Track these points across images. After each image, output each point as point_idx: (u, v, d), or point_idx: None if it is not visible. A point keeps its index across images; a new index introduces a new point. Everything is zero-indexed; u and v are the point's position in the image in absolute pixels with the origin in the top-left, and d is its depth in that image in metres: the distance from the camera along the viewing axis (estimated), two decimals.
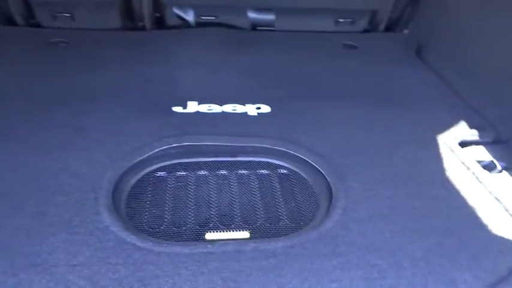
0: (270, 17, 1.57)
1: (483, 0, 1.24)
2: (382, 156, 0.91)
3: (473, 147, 0.99)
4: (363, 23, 1.61)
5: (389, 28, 1.66)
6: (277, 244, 0.69)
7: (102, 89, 1.10)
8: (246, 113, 1.04)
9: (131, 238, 0.68)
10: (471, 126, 1.04)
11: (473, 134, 1.02)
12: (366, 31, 1.63)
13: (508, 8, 1.12)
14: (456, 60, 1.30)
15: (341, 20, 1.58)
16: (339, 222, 0.73)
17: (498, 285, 0.64)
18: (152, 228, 0.74)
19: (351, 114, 1.05)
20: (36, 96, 1.04)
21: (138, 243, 0.67)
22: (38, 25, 1.48)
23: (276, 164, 0.90)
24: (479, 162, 0.92)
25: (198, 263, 0.64)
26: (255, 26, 1.58)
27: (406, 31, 1.65)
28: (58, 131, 0.92)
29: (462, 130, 1.03)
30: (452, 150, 0.95)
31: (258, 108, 1.06)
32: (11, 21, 1.47)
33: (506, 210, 0.79)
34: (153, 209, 0.78)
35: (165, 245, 0.67)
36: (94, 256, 0.64)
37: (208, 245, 0.68)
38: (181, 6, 1.52)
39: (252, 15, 1.56)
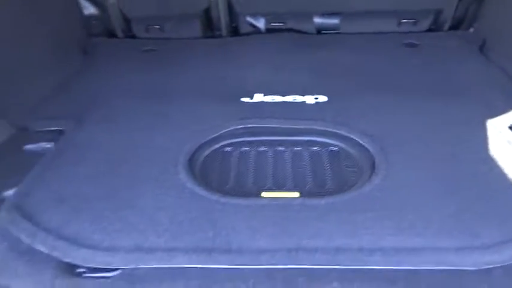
0: (334, 21, 1.69)
1: None
2: (428, 136, 0.99)
3: None
4: (426, 23, 1.66)
5: (454, 27, 1.69)
6: (321, 201, 0.81)
7: (184, 85, 1.31)
8: (305, 102, 1.17)
9: (203, 192, 0.84)
10: None
11: None
12: (430, 30, 1.69)
13: None
14: None
15: (404, 21, 1.65)
16: (378, 186, 0.84)
17: None
18: (220, 187, 0.89)
19: (405, 103, 1.13)
20: (134, 92, 1.27)
21: (208, 196, 0.83)
22: (134, 36, 1.76)
23: (327, 143, 1.02)
24: None
25: (253, 211, 0.79)
26: (320, 30, 1.71)
27: (471, 30, 1.67)
28: (148, 115, 1.13)
29: None
30: (500, 131, 1.00)
31: (316, 98, 1.19)
32: (113, 34, 1.76)
33: None
34: (221, 174, 0.94)
35: (228, 197, 0.83)
36: (174, 203, 0.81)
37: (262, 200, 0.82)
38: (253, 15, 1.71)
39: (317, 20, 1.70)
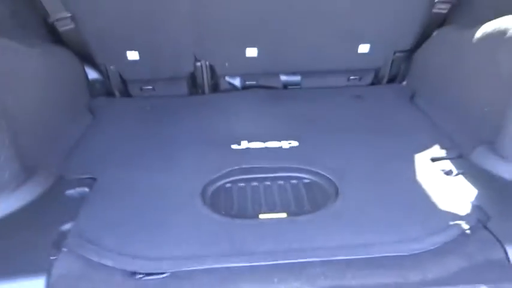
0: (296, 78, 2.10)
1: (455, 58, 1.70)
2: (373, 168, 1.37)
3: (441, 161, 1.42)
4: (369, 79, 2.10)
5: (391, 81, 2.14)
6: (303, 218, 1.15)
7: (182, 136, 1.63)
8: (281, 147, 1.53)
9: (215, 216, 1.16)
10: (442, 147, 1.48)
11: (442, 152, 1.45)
12: (372, 84, 2.12)
13: (474, 63, 1.57)
14: (438, 102, 1.75)
15: (352, 78, 2.08)
16: (341, 205, 1.19)
17: (437, 234, 1.06)
18: (227, 213, 1.21)
19: (355, 143, 1.51)
20: (142, 142, 1.58)
21: (220, 219, 1.15)
22: (129, 95, 2.08)
23: (301, 177, 1.36)
24: (442, 170, 1.35)
25: (255, 227, 1.11)
26: (286, 86, 2.10)
27: (404, 83, 2.12)
28: (160, 161, 1.44)
29: (434, 150, 1.47)
30: (423, 162, 1.39)
31: (290, 143, 1.55)
32: (110, 94, 2.07)
33: (452, 198, 1.21)
34: (226, 203, 1.25)
35: (235, 219, 1.15)
36: (196, 225, 1.12)
37: (261, 220, 1.15)
38: (231, 76, 2.08)
39: (283, 77, 2.09)
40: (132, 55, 1.93)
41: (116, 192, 1.28)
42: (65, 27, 1.78)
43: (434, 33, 1.90)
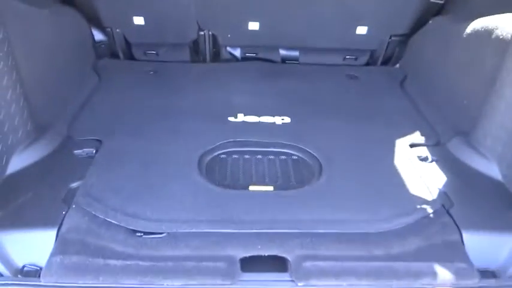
0: (295, 53, 2.18)
1: (445, 48, 1.80)
2: (356, 151, 1.49)
3: (419, 147, 1.54)
4: (364, 59, 2.19)
5: (385, 62, 2.23)
6: (288, 192, 1.28)
7: (183, 106, 1.73)
8: (274, 122, 1.64)
9: (210, 186, 1.29)
10: (422, 134, 1.60)
11: (421, 139, 1.57)
12: (367, 64, 2.21)
13: (462, 56, 1.66)
14: (425, 89, 1.86)
15: (348, 57, 2.16)
16: (324, 183, 1.32)
17: (403, 216, 1.20)
18: (220, 182, 1.34)
19: (344, 125, 1.63)
20: (146, 109, 1.68)
21: (214, 189, 1.28)
22: (133, 58, 2.15)
23: (290, 153, 1.49)
24: (418, 156, 1.48)
25: (245, 198, 1.25)
26: (284, 60, 2.19)
27: (397, 65, 2.21)
28: (162, 130, 1.55)
29: (415, 136, 1.59)
30: (403, 148, 1.51)
31: (283, 119, 1.66)
32: (115, 56, 2.15)
33: (424, 183, 1.34)
34: (220, 173, 1.38)
35: (227, 189, 1.28)
36: (192, 192, 1.25)
37: (250, 191, 1.28)
38: (232, 46, 2.16)
39: (282, 52, 2.17)
40: (138, 20, 1.99)
41: (121, 157, 1.40)
42: None
43: (430, 22, 1.97)
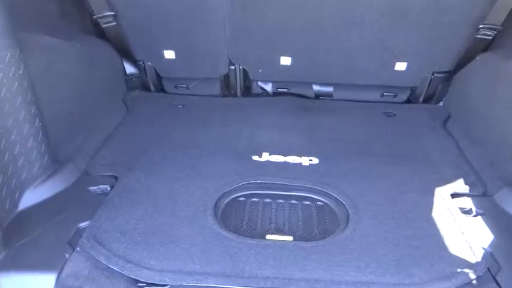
0: (329, 89, 2.07)
1: (492, 87, 1.63)
2: (389, 199, 1.35)
3: (462, 198, 1.37)
4: (404, 96, 2.04)
5: (427, 100, 2.07)
6: (308, 244, 1.15)
7: (208, 141, 1.66)
8: (301, 163, 1.53)
9: (224, 232, 1.19)
10: (466, 182, 1.43)
11: (465, 188, 1.40)
12: (408, 101, 2.07)
13: (510, 96, 1.50)
14: (470, 131, 1.69)
15: (386, 94, 2.03)
16: (349, 235, 1.19)
17: (441, 281, 1.04)
18: (236, 229, 1.24)
19: (377, 169, 1.49)
20: (169, 144, 1.63)
21: (228, 236, 1.18)
22: (164, 91, 2.13)
23: (315, 198, 1.37)
24: (460, 208, 1.32)
25: (260, 249, 1.13)
26: (318, 96, 2.09)
27: (441, 103, 2.05)
28: (182, 167, 1.48)
29: (457, 184, 1.42)
30: (443, 197, 1.35)
31: (310, 160, 1.55)
32: (146, 88, 2.14)
33: (466, 241, 1.18)
34: (236, 218, 1.28)
35: (242, 238, 1.17)
36: (203, 240, 1.16)
37: (267, 241, 1.17)
38: (264, 81, 2.09)
39: (316, 87, 2.08)
40: (169, 54, 1.97)
41: (134, 195, 1.33)
42: (107, 24, 1.85)
43: (477, 58, 1.82)
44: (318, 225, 1.26)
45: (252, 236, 1.21)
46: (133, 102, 1.98)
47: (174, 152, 1.58)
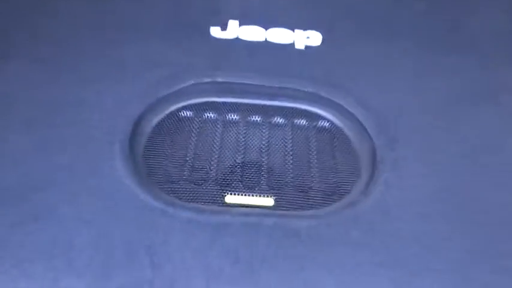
0: None
1: None
2: (448, 118, 0.76)
3: None
4: None
5: None
6: (301, 223, 0.60)
7: (140, 13, 0.97)
8: (293, 44, 0.89)
9: (143, 195, 0.62)
10: None
11: None
12: None
13: None
14: None
15: None
16: (378, 203, 0.63)
17: None
18: (169, 181, 0.67)
19: (416, 60, 0.87)
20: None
21: (151, 202, 0.61)
22: None
23: (316, 114, 0.78)
24: None
25: (210, 234, 0.58)
26: None
27: None
28: (96, 61, 0.83)
29: None
30: None
31: (308, 37, 0.90)
32: None
33: None
34: (172, 157, 0.71)
35: (178, 206, 0.61)
36: (101, 214, 0.60)
37: (226, 215, 0.61)
38: None
39: None
40: None
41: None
42: None
43: None
44: (321, 174, 0.70)
45: (199, 199, 0.65)
46: None
47: (89, 34, 0.90)
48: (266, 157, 0.71)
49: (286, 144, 0.74)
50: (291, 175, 0.69)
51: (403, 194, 0.64)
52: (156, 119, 0.75)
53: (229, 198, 0.65)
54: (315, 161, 0.71)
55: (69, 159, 0.66)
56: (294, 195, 0.66)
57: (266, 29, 0.91)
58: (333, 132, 0.76)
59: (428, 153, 0.70)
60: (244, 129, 0.76)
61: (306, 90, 0.79)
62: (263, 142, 0.74)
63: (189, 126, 0.75)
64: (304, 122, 0.77)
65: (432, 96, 0.80)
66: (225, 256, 0.56)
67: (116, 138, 0.68)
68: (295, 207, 0.65)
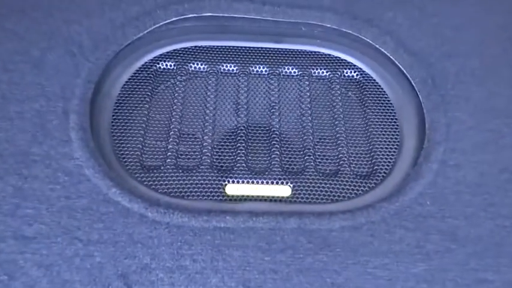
0: None
1: None
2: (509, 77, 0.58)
3: None
4: None
5: None
6: (335, 224, 0.44)
7: None
8: None
9: (113, 192, 0.45)
10: None
11: None
12: None
13: None
14: None
15: None
16: (431, 187, 0.47)
17: None
18: (148, 169, 0.50)
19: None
20: None
21: (124, 202, 0.44)
22: None
23: (340, 60, 0.59)
24: None
25: (210, 248, 0.42)
26: None
27: None
28: None
29: None
30: None
31: None
32: None
33: None
34: (151, 132, 0.52)
35: (163, 209, 0.45)
36: (53, 214, 0.43)
37: (227, 217, 0.44)
38: None
39: None
40: None
41: None
42: None
43: None
44: (349, 150, 0.53)
45: (190, 192, 0.48)
46: None
47: None
48: (277, 127, 0.53)
49: (302, 106, 0.55)
50: (310, 153, 0.52)
51: (460, 174, 0.48)
52: (125, 75, 0.55)
53: (232, 188, 0.48)
54: (342, 129, 0.54)
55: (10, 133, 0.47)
56: (314, 182, 0.49)
57: None
58: (364, 86, 0.57)
59: (485, 116, 0.52)
60: (245, 85, 0.56)
61: (327, 26, 0.59)
62: (271, 103, 0.55)
63: (170, 83, 0.56)
64: (325, 72, 0.58)
65: (489, 41, 0.60)
66: (228, 279, 0.41)
67: (72, 104, 0.49)
68: (318, 197, 0.48)
